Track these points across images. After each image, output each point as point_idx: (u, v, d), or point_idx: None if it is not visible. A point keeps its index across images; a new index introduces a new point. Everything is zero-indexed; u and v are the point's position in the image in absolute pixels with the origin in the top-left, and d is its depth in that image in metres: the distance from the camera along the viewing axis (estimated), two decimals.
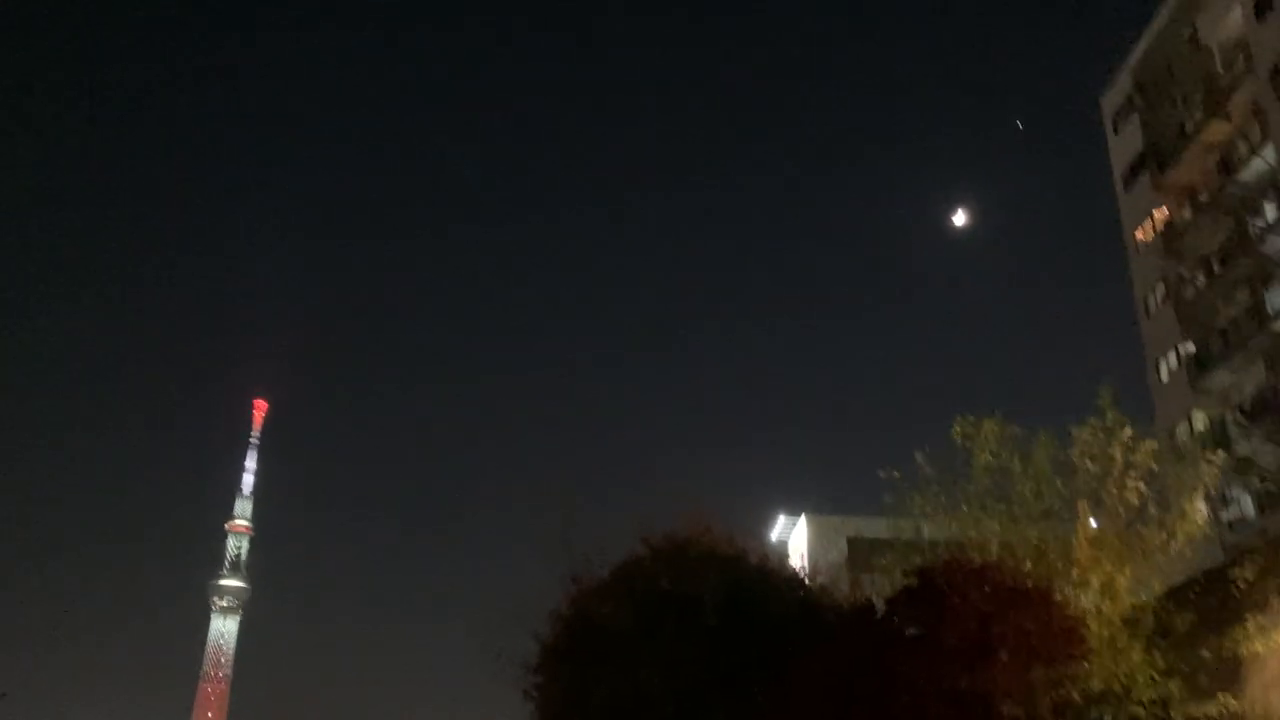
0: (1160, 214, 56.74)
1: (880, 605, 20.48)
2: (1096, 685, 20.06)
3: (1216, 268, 53.05)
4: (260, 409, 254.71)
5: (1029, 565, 20.81)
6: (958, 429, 22.51)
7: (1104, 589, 20.49)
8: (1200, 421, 51.69)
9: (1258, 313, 49.63)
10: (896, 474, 22.61)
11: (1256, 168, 50.75)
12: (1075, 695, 19.64)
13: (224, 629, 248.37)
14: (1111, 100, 61.03)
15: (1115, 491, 21.11)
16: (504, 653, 24.97)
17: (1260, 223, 50.75)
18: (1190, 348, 53.48)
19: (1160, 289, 56.21)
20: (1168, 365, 55.19)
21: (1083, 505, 21.33)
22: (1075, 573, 20.79)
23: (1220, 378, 51.52)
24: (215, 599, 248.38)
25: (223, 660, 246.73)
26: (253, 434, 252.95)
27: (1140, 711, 20.33)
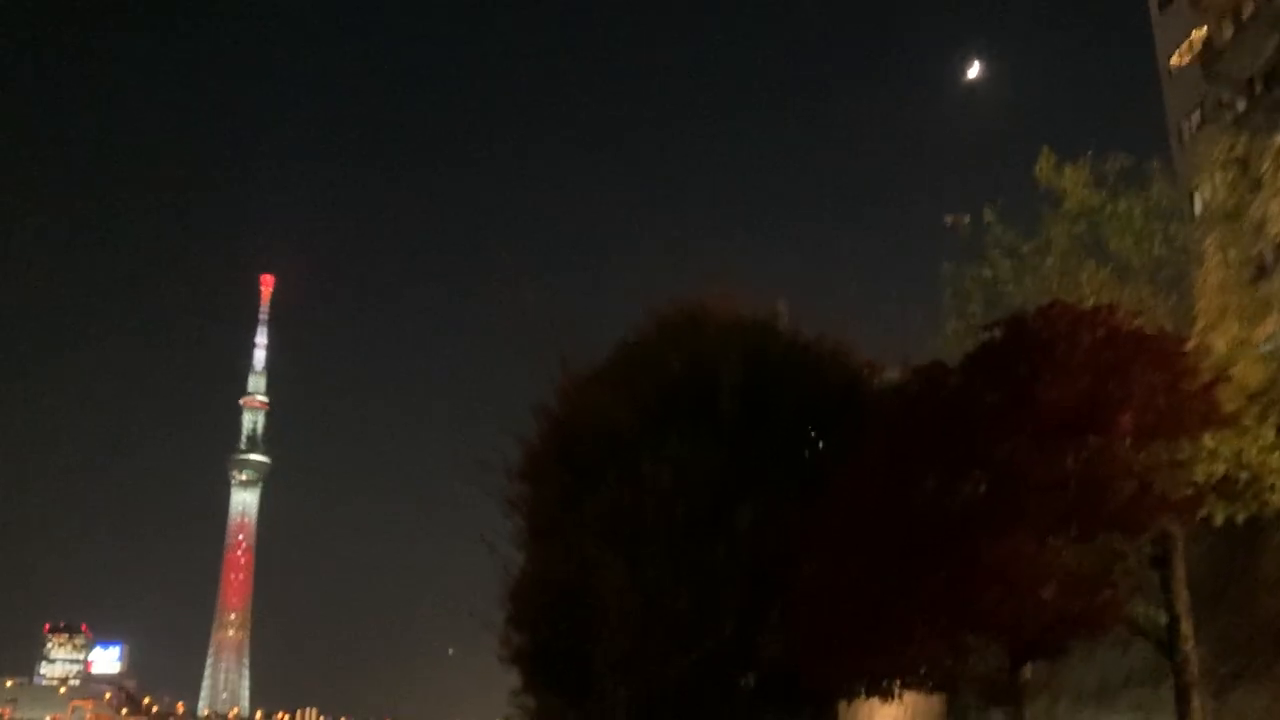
0: (1199, 35, 50.48)
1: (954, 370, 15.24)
2: (1217, 469, 15.12)
3: (1259, 88, 47.18)
4: (268, 284, 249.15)
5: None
6: (1043, 165, 17.11)
7: (1231, 353, 15.31)
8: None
9: None
10: (966, 219, 17.30)
11: None
12: (1194, 479, 14.70)
13: (245, 501, 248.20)
14: None
15: (1259, 214, 15.84)
16: (485, 462, 20.19)
17: None
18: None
19: (1196, 116, 50.24)
20: (1202, 196, 49.56)
21: (1212, 242, 16.01)
22: (1195, 334, 15.58)
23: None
24: (235, 473, 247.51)
25: (245, 531, 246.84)
26: (262, 309, 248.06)
27: (1272, 499, 15.45)
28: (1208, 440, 14.63)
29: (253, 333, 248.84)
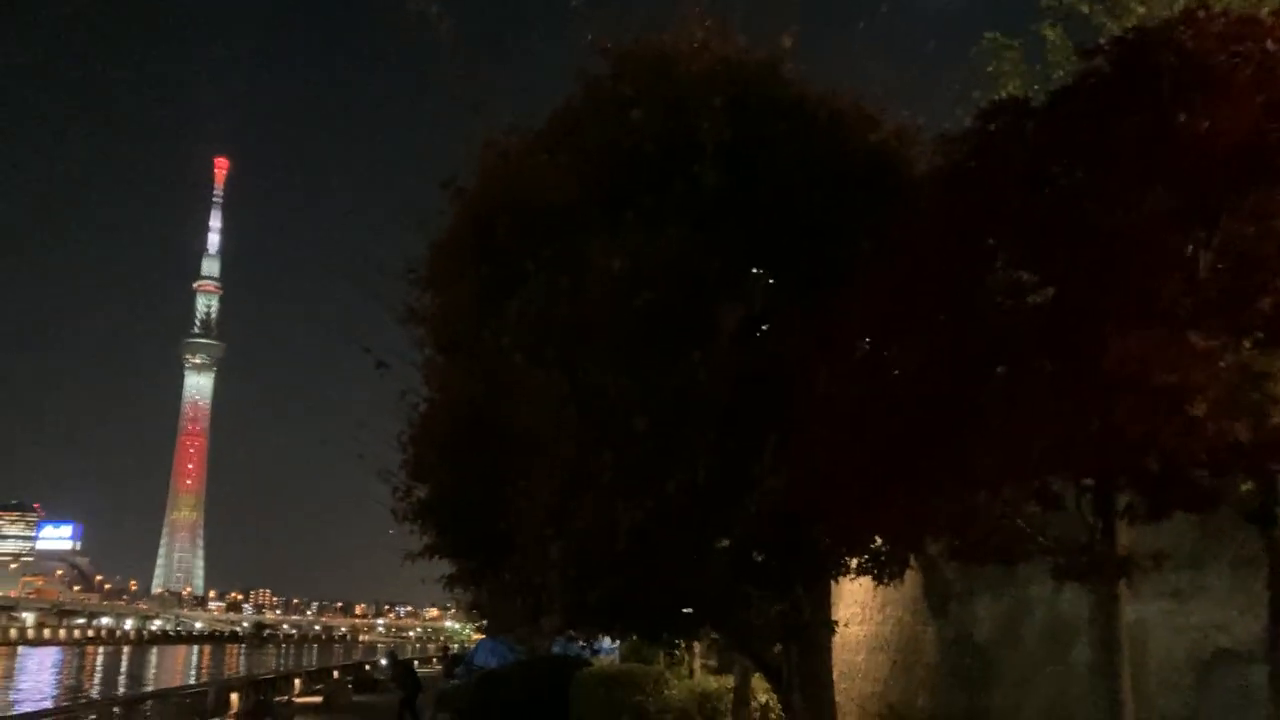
0: None
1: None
2: None
3: None
4: (222, 167, 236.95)
5: None
6: None
7: None
8: None
9: None
10: None
11: None
12: None
13: (199, 384, 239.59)
14: None
15: None
16: (384, 268, 14.95)
17: None
18: None
19: None
20: None
21: None
22: None
23: None
24: (188, 357, 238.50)
25: (199, 414, 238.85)
26: (215, 192, 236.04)
27: None
28: None
29: (206, 216, 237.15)
